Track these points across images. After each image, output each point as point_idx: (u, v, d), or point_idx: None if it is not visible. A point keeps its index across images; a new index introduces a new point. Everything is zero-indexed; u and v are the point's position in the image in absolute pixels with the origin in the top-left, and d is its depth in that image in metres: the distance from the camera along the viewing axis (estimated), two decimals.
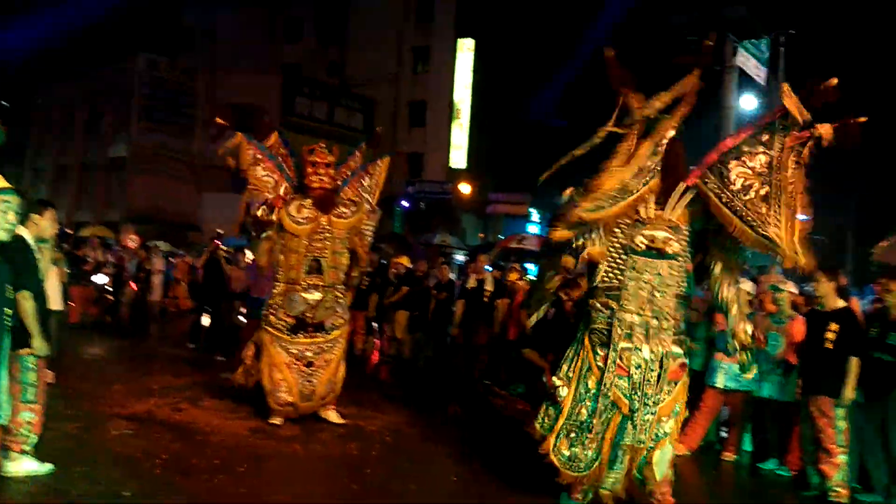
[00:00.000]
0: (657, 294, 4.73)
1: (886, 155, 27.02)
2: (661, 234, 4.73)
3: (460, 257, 21.60)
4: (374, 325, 11.59)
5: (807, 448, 5.87)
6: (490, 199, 31.47)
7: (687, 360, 4.85)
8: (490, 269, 10.85)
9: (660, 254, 4.74)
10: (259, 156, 7.03)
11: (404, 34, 32.07)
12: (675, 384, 4.76)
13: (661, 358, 4.68)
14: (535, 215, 32.49)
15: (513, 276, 9.90)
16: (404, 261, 11.69)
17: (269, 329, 6.73)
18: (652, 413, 4.68)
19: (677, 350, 4.76)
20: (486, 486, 5.51)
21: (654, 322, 4.72)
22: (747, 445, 6.97)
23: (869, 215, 27.07)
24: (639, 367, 4.68)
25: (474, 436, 7.01)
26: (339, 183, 7.14)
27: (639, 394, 4.67)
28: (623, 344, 4.72)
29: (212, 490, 4.86)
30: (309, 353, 6.71)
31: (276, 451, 5.90)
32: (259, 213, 6.68)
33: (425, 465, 6.00)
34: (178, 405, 7.09)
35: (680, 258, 4.78)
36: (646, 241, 4.75)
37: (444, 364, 10.03)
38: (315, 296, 6.75)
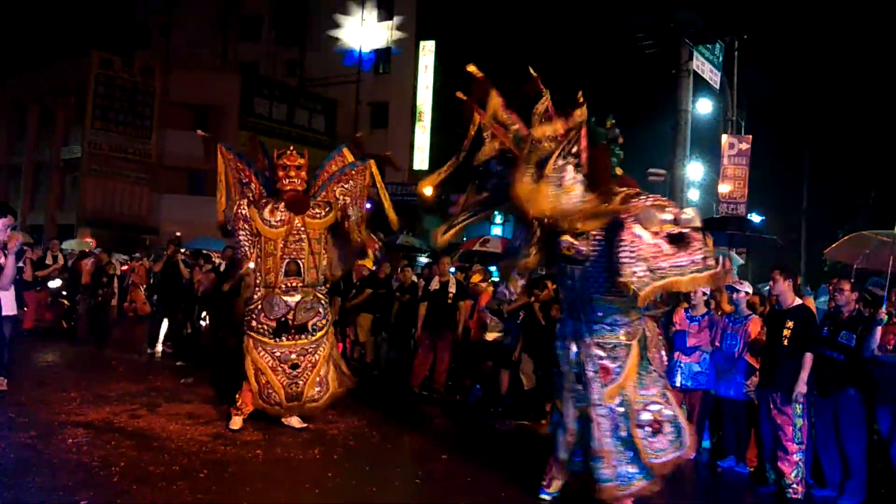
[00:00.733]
0: (578, 297, 4.93)
1: (835, 155, 27.84)
2: (565, 241, 4.82)
3: (423, 259, 21.57)
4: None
5: (764, 445, 6.00)
6: (452, 201, 31.45)
7: (611, 364, 4.80)
8: (453, 270, 10.85)
9: (569, 259, 4.89)
10: (239, 165, 7.14)
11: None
12: (607, 385, 4.80)
13: (584, 360, 4.86)
14: (497, 217, 32.56)
15: (476, 278, 9.93)
16: (367, 263, 11.65)
17: (252, 334, 6.70)
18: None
19: (598, 352, 4.83)
20: (448, 487, 5.52)
21: (577, 325, 4.94)
22: (705, 443, 7.11)
23: (818, 216, 27.92)
24: (571, 366, 4.95)
25: (437, 437, 7.02)
26: (318, 187, 7.14)
27: (574, 393, 4.95)
28: (562, 343, 5.03)
29: (171, 497, 4.79)
30: (293, 356, 6.69)
31: (236, 456, 5.83)
32: (244, 270, 6.76)
33: (388, 467, 5.99)
34: (135, 412, 6.97)
35: (597, 263, 4.81)
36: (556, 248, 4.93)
37: (408, 367, 10.01)
38: (295, 298, 6.73)
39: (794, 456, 5.66)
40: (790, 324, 5.79)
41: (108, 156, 27.58)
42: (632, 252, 4.45)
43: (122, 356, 10.45)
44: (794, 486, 5.65)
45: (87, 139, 27.21)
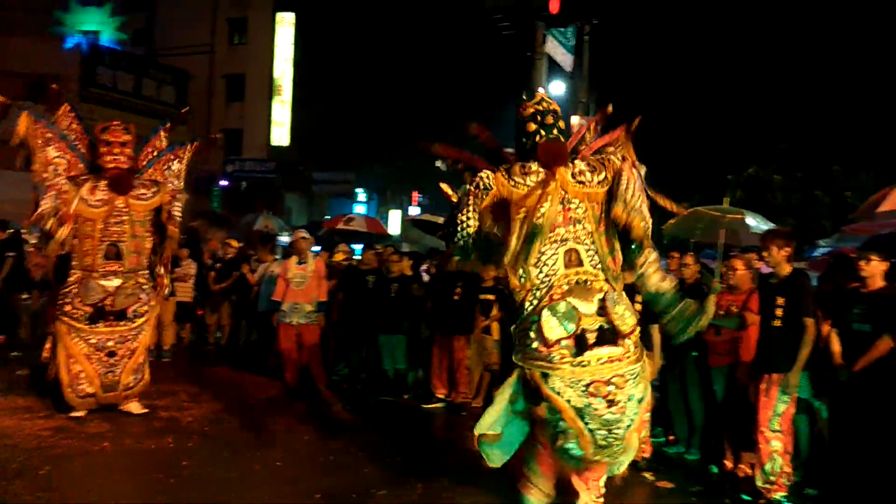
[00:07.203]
0: None
1: (678, 138, 29.88)
2: None
3: (285, 239, 21.11)
4: None
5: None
6: (314, 179, 30.93)
7: None
8: (317, 250, 10.69)
9: None
10: (49, 135, 6.49)
11: (219, 3, 30.57)
12: None
13: None
14: (361, 195, 32.33)
15: (339, 257, 9.87)
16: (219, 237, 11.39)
17: (65, 319, 6.30)
18: None
19: None
20: (310, 467, 5.50)
21: None
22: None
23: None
24: None
25: (298, 419, 6.94)
26: (143, 164, 6.78)
27: None
28: None
29: (8, 498, 4.46)
30: (111, 343, 6.40)
31: (81, 449, 5.52)
32: (48, 225, 6.25)
33: (247, 452, 5.82)
34: None
35: None
36: None
37: (268, 349, 9.80)
38: (114, 282, 6.43)
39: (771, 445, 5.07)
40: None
41: None
42: None
43: None
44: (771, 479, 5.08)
45: None
